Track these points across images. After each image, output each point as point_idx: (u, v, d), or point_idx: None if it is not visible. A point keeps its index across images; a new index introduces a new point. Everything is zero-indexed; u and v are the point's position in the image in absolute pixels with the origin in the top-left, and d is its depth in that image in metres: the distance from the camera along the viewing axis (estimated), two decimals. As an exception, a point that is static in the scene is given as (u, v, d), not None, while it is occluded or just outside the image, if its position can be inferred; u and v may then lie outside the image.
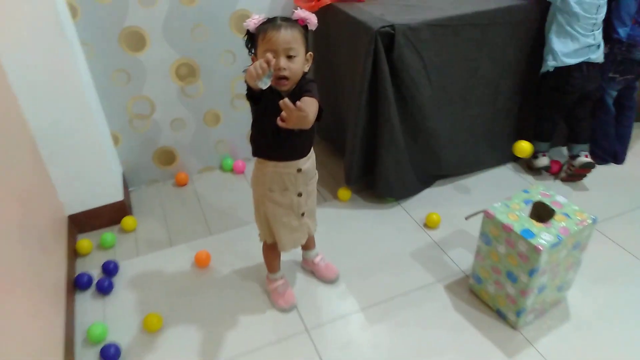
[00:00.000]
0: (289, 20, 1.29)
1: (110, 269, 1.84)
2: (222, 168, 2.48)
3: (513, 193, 1.57)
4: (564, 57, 1.99)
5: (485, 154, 2.29)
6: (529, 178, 2.28)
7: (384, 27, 1.73)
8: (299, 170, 1.44)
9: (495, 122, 2.22)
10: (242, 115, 2.36)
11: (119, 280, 1.84)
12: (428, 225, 2.00)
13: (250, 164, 2.18)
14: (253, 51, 1.34)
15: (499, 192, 2.16)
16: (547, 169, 2.28)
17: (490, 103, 2.15)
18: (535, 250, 1.35)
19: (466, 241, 1.93)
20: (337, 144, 2.39)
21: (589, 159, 2.16)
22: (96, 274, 1.86)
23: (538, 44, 2.07)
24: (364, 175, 2.12)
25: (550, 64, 2.03)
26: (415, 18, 1.79)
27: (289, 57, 1.27)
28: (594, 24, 1.95)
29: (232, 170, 2.46)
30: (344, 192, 2.19)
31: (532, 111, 2.25)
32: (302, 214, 1.55)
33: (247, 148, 1.52)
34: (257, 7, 2.14)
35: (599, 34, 2.00)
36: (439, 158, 2.16)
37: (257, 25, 1.29)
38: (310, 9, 2.06)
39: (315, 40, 2.30)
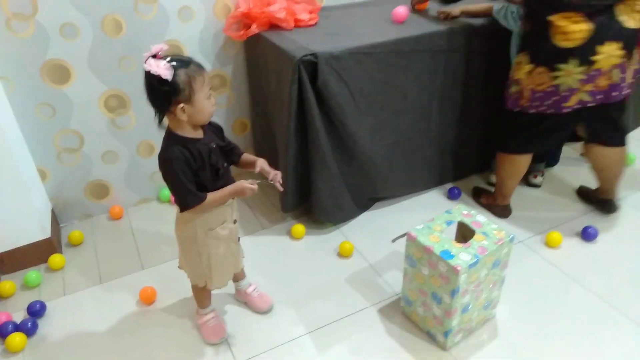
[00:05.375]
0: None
1: (36, 311, 1.75)
2: (159, 199, 2.43)
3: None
4: None
5: (422, 177, 2.32)
6: (466, 199, 2.33)
7: (306, 55, 1.75)
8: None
9: (431, 146, 2.26)
10: (178, 145, 2.33)
11: (44, 322, 1.75)
12: (342, 254, 1.99)
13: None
14: (177, 99, 1.25)
15: (435, 213, 2.22)
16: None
17: (424, 128, 2.19)
18: (454, 270, 1.37)
19: (399, 263, 1.94)
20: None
21: (537, 180, 2.36)
22: (21, 316, 1.77)
23: (465, 72, 2.13)
24: (300, 202, 2.11)
25: None
26: (337, 46, 1.82)
27: None
28: None
29: (170, 201, 2.40)
30: (298, 229, 2.10)
31: (466, 138, 2.32)
32: (238, 239, 1.59)
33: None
34: (186, 37, 2.14)
35: None
36: (375, 182, 2.18)
37: (171, 70, 1.21)
38: (239, 38, 2.09)
39: (248, 69, 2.31)
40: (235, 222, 1.52)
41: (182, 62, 1.26)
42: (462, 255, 1.40)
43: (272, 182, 1.46)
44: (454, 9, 2.15)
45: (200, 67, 1.29)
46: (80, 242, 2.15)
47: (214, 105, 1.34)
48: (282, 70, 1.86)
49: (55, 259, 1.99)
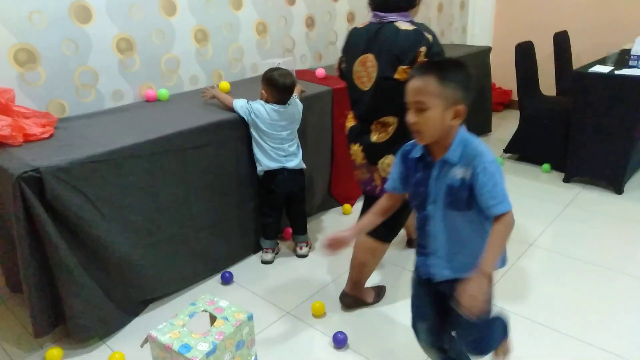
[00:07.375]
0: None
1: None
2: None
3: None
4: (267, 162, 2.34)
5: (194, 269, 2.35)
6: (239, 280, 2.42)
7: (26, 172, 1.69)
8: None
9: (198, 238, 2.31)
10: None
11: None
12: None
13: None
14: None
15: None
16: (268, 263, 2.55)
17: (186, 222, 2.24)
18: (192, 363, 1.40)
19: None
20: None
21: (303, 251, 2.58)
22: None
23: (216, 161, 2.29)
24: (56, 323, 1.94)
25: (258, 169, 2.38)
26: (66, 158, 1.80)
27: None
28: (282, 139, 2.33)
29: None
30: (53, 353, 1.89)
31: (232, 222, 2.45)
32: None
33: None
34: None
35: (290, 146, 2.37)
36: (141, 284, 2.13)
37: None
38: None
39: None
40: None
41: None
42: (200, 346, 1.44)
43: None
44: (209, 92, 2.48)
45: None
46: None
47: None
48: (6, 190, 1.75)
49: None
